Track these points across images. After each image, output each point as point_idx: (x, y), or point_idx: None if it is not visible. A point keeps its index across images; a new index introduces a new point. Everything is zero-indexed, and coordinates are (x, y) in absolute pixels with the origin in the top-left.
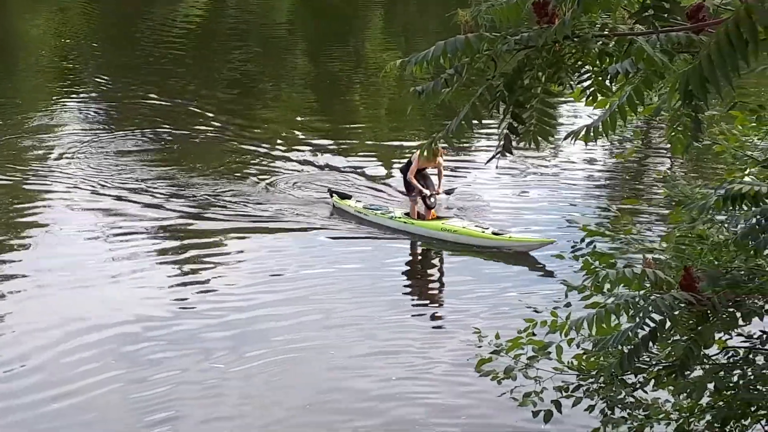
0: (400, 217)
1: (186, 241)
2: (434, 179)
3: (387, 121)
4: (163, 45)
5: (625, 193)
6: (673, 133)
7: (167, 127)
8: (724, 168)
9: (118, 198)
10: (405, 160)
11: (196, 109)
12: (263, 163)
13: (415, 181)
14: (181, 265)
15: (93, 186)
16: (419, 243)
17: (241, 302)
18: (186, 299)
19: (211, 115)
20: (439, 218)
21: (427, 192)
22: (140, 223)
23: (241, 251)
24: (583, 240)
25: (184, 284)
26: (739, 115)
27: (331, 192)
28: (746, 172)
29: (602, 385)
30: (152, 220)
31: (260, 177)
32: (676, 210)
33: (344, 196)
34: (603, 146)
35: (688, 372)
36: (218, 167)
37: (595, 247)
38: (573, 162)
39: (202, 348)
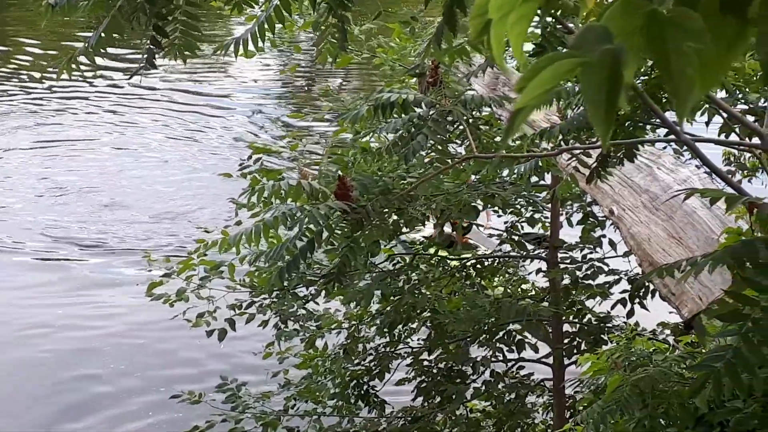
0: None
1: None
2: None
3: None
4: None
5: (291, 109)
6: (323, 44)
7: None
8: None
9: None
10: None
11: None
12: None
13: None
14: None
15: None
16: None
17: None
18: None
19: None
20: None
21: None
22: None
23: None
24: (250, 157)
25: None
26: (396, 27)
27: None
28: (404, 83)
29: (274, 300)
30: None
31: None
32: (339, 123)
33: None
34: (269, 61)
35: (348, 280)
36: None
37: (262, 163)
38: (239, 78)
39: None
